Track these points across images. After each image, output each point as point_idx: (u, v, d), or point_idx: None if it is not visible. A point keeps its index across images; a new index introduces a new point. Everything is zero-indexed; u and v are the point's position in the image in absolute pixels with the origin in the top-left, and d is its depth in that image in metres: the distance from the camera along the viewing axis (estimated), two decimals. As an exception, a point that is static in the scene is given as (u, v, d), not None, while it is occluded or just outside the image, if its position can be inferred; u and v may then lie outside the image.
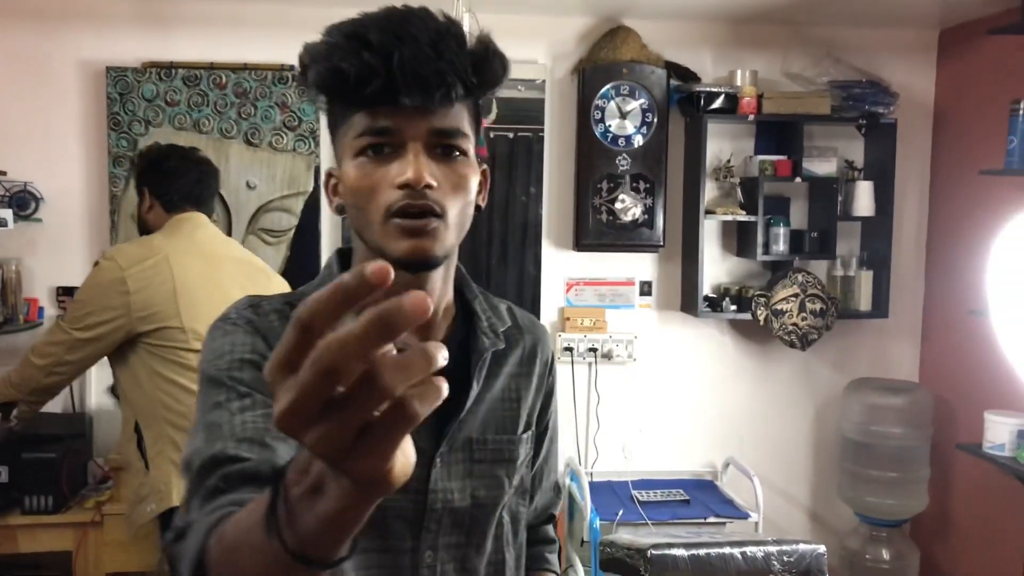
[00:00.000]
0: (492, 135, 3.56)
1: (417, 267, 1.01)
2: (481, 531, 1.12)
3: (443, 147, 0.99)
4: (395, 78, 0.92)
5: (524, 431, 1.18)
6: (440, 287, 1.08)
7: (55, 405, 3.28)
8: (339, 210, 1.07)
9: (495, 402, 1.14)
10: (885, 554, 3.66)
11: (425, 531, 1.07)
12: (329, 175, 1.08)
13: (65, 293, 3.42)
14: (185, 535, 0.79)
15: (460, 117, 1.00)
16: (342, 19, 0.98)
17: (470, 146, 1.02)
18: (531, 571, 1.33)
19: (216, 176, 2.66)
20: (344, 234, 3.54)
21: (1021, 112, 3.01)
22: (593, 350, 3.65)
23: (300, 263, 3.51)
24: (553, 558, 1.38)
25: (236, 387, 0.97)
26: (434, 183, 0.97)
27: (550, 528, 1.40)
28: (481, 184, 1.07)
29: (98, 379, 3.43)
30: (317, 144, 3.47)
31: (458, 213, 1.01)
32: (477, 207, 1.06)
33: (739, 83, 3.56)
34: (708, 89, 3.53)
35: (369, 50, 0.92)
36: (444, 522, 1.08)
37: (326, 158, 3.49)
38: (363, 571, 1.04)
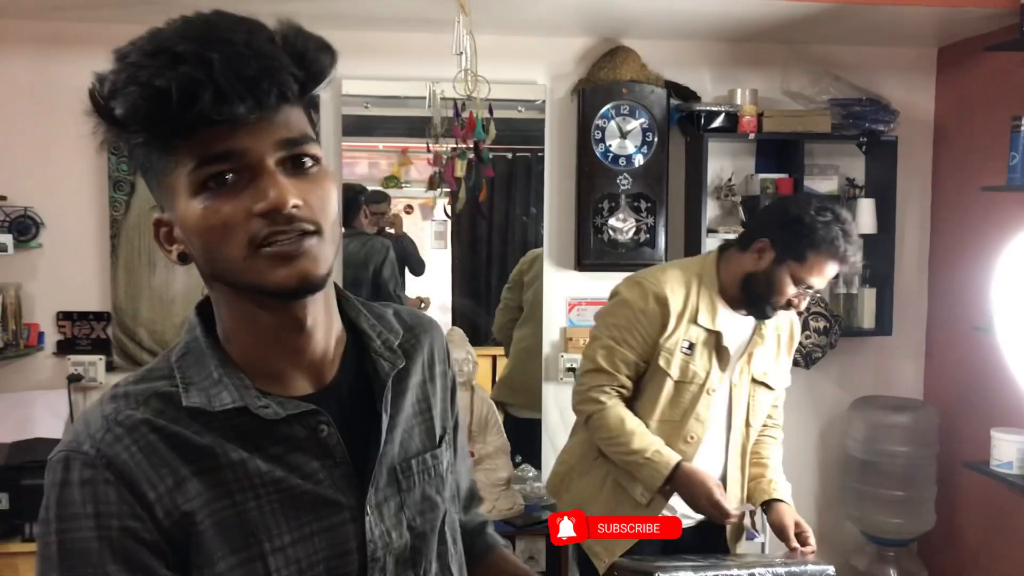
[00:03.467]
0: (492, 156, 3.56)
1: (299, 295, 0.91)
2: (426, 559, 1.05)
3: (293, 159, 0.88)
4: (223, 89, 0.80)
5: (442, 438, 1.10)
6: (324, 315, 0.98)
7: (54, 431, 3.26)
8: (182, 259, 0.93)
9: (408, 420, 1.06)
10: (893, 573, 3.63)
11: None
12: (159, 223, 0.94)
13: (66, 318, 3.41)
14: None
15: (301, 121, 0.90)
16: (126, 41, 0.86)
17: (320, 152, 0.91)
18: (491, 550, 1.29)
19: None
20: (344, 256, 3.53)
21: (1022, 128, 3.00)
22: (596, 370, 3.63)
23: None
24: (496, 535, 1.34)
25: None
26: (300, 201, 0.86)
27: (480, 511, 1.33)
28: None
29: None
30: (317, 166, 3.47)
31: (331, 226, 0.91)
32: None
33: (739, 102, 3.56)
34: (708, 108, 3.53)
35: (183, 62, 0.80)
36: (388, 567, 0.99)
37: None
38: None
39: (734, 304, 2.33)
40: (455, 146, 3.35)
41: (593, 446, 2.44)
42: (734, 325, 2.36)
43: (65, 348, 3.42)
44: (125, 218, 3.39)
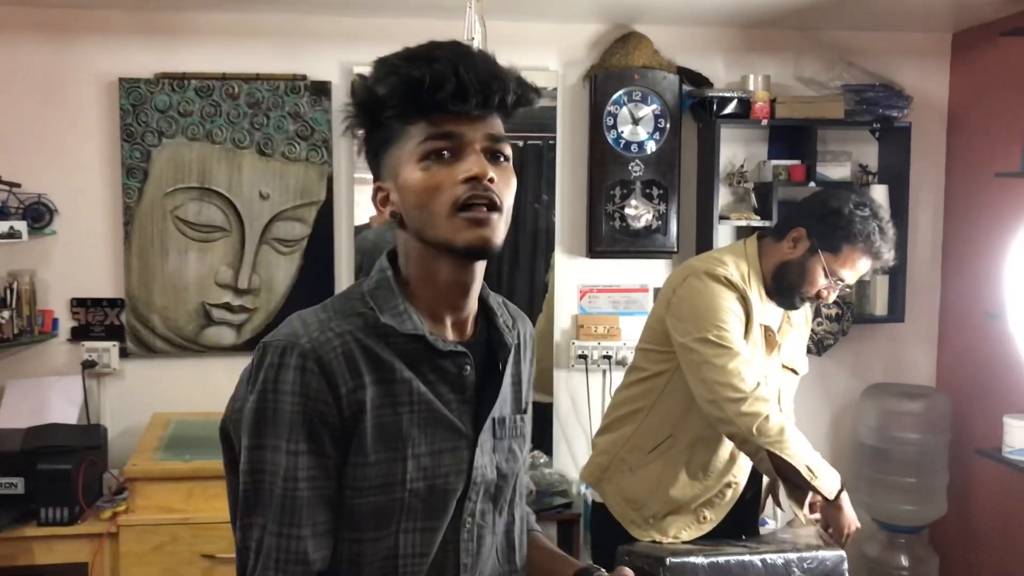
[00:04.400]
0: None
1: (479, 255, 1.16)
2: (503, 497, 1.30)
3: (493, 152, 1.15)
4: (463, 84, 1.09)
5: (526, 409, 1.36)
6: (476, 285, 1.23)
7: (69, 416, 3.29)
8: (392, 217, 1.19)
9: (507, 387, 1.31)
10: (904, 560, 3.63)
11: (467, 501, 1.22)
12: (378, 188, 1.21)
13: (80, 305, 3.43)
14: None
15: (503, 127, 1.18)
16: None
17: (511, 153, 1.19)
18: (531, 533, 1.49)
19: None
20: (357, 244, 3.54)
21: (1037, 114, 2.99)
22: (607, 357, 3.64)
23: (313, 273, 3.51)
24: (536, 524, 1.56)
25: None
26: (496, 177, 1.13)
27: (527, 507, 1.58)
28: None
29: (111, 390, 3.44)
30: (330, 154, 3.47)
31: (507, 209, 1.16)
32: None
33: (752, 88, 3.55)
34: (721, 94, 3.52)
35: (436, 62, 1.09)
36: (480, 493, 1.24)
37: (339, 168, 3.49)
38: (428, 546, 1.20)
39: (768, 293, 2.33)
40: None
41: (647, 440, 2.37)
42: (773, 314, 2.36)
43: (79, 334, 3.44)
44: (138, 205, 3.40)
